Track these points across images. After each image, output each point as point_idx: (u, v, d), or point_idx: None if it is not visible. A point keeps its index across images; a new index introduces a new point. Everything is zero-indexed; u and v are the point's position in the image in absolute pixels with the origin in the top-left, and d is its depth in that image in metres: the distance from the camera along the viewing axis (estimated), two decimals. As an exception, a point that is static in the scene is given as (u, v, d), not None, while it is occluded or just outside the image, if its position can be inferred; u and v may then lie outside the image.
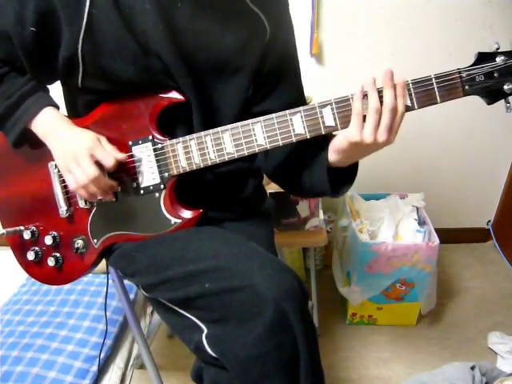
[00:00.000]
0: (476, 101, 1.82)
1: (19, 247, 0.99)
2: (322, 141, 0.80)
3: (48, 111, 0.84)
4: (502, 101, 0.72)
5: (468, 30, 1.55)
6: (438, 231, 1.48)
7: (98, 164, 0.81)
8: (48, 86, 0.91)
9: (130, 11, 0.76)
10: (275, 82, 0.88)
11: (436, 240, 1.44)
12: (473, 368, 1.24)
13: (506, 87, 0.70)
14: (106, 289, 1.16)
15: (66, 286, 1.63)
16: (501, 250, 1.93)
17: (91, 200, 0.88)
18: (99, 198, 0.86)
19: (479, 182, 1.88)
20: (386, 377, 1.41)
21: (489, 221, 1.99)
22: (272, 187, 1.35)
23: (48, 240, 0.93)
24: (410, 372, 1.41)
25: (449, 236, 1.86)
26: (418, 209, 1.60)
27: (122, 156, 0.83)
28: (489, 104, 0.72)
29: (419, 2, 1.52)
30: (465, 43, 1.57)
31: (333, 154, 0.78)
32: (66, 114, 0.94)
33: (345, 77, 1.64)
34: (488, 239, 2.01)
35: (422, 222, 1.57)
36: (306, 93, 0.96)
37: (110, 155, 0.82)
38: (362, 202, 1.66)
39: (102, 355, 1.37)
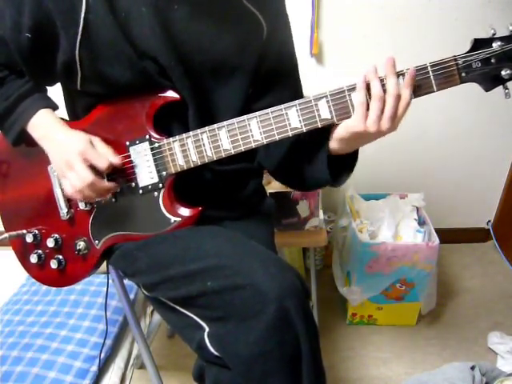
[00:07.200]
0: (476, 101, 1.82)
1: (22, 250, 0.99)
2: (321, 131, 0.80)
3: (43, 113, 0.84)
4: (503, 98, 0.71)
5: (468, 30, 1.55)
6: (438, 231, 1.48)
7: (93, 167, 0.81)
8: (49, 88, 0.91)
9: (125, 15, 0.76)
10: (273, 80, 0.88)
11: (436, 240, 1.44)
12: (473, 368, 1.24)
13: (503, 73, 0.68)
14: (106, 289, 1.16)
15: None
16: (501, 250, 1.93)
17: (89, 200, 0.88)
18: (97, 199, 0.86)
19: (479, 182, 1.88)
20: (385, 377, 1.41)
21: (489, 221, 1.99)
22: (272, 187, 1.35)
23: (50, 243, 0.93)
24: (410, 372, 1.41)
25: (449, 236, 1.86)
26: (417, 209, 1.60)
27: (115, 158, 0.83)
28: (487, 91, 0.71)
29: (419, 2, 1.52)
30: (465, 43, 1.57)
31: (335, 143, 0.78)
32: (67, 117, 0.94)
33: (345, 77, 1.63)
34: (488, 239, 2.01)
35: (422, 222, 1.57)
36: (306, 93, 0.95)
37: (103, 157, 0.81)
38: (361, 202, 1.66)
39: (102, 355, 1.37)
